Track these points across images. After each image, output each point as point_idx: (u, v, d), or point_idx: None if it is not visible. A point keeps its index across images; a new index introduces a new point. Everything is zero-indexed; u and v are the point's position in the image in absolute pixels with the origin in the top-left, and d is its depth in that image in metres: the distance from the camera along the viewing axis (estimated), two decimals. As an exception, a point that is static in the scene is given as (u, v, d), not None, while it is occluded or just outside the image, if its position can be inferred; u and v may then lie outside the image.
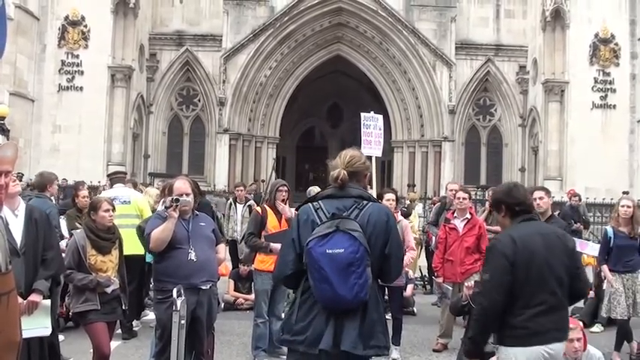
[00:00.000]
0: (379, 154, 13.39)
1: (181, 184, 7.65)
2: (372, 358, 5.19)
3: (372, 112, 13.47)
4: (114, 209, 7.85)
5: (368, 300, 4.87)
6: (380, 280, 5.15)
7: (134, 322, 11.56)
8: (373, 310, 4.94)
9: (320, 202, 5.17)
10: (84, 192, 11.85)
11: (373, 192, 13.15)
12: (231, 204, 16.92)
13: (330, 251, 4.82)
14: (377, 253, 4.95)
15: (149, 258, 9.76)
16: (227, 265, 15.72)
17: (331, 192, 5.20)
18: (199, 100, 37.09)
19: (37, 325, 6.38)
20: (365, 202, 5.09)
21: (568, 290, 5.50)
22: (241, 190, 17.23)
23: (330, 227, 4.92)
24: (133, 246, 9.54)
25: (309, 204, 5.21)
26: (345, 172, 5.15)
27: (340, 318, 4.88)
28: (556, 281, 5.41)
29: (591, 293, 13.79)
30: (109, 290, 7.50)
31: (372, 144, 12.88)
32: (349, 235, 4.85)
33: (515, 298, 5.33)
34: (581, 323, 7.98)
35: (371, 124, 12.97)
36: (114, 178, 12.81)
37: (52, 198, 11.48)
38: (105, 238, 7.73)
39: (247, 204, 16.54)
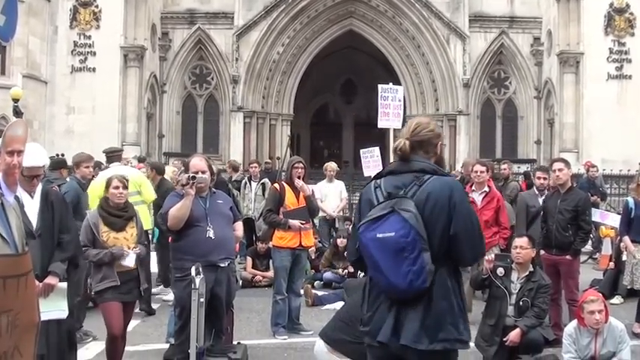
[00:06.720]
0: (399, 125, 13.17)
1: (197, 162, 7.66)
2: None
3: (390, 84, 13.29)
4: (125, 187, 7.77)
5: (432, 287, 4.22)
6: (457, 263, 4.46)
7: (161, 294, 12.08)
8: (440, 299, 4.26)
9: (381, 179, 4.51)
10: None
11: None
12: (246, 182, 16.79)
13: (381, 235, 4.24)
14: (438, 234, 4.27)
15: None
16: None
17: (393, 167, 4.57)
18: (213, 79, 36.99)
19: (53, 308, 6.33)
20: (427, 176, 4.35)
21: None
22: (255, 167, 17.16)
23: (385, 209, 4.30)
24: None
25: (372, 182, 4.59)
26: (407, 142, 4.46)
27: (403, 308, 4.29)
28: None
29: (611, 264, 13.74)
30: (126, 262, 7.43)
31: (389, 116, 12.69)
32: (402, 216, 4.23)
33: None
34: (601, 295, 7.94)
35: (389, 95, 12.77)
36: (110, 157, 12.24)
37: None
38: (116, 214, 7.69)
39: (260, 182, 16.46)
